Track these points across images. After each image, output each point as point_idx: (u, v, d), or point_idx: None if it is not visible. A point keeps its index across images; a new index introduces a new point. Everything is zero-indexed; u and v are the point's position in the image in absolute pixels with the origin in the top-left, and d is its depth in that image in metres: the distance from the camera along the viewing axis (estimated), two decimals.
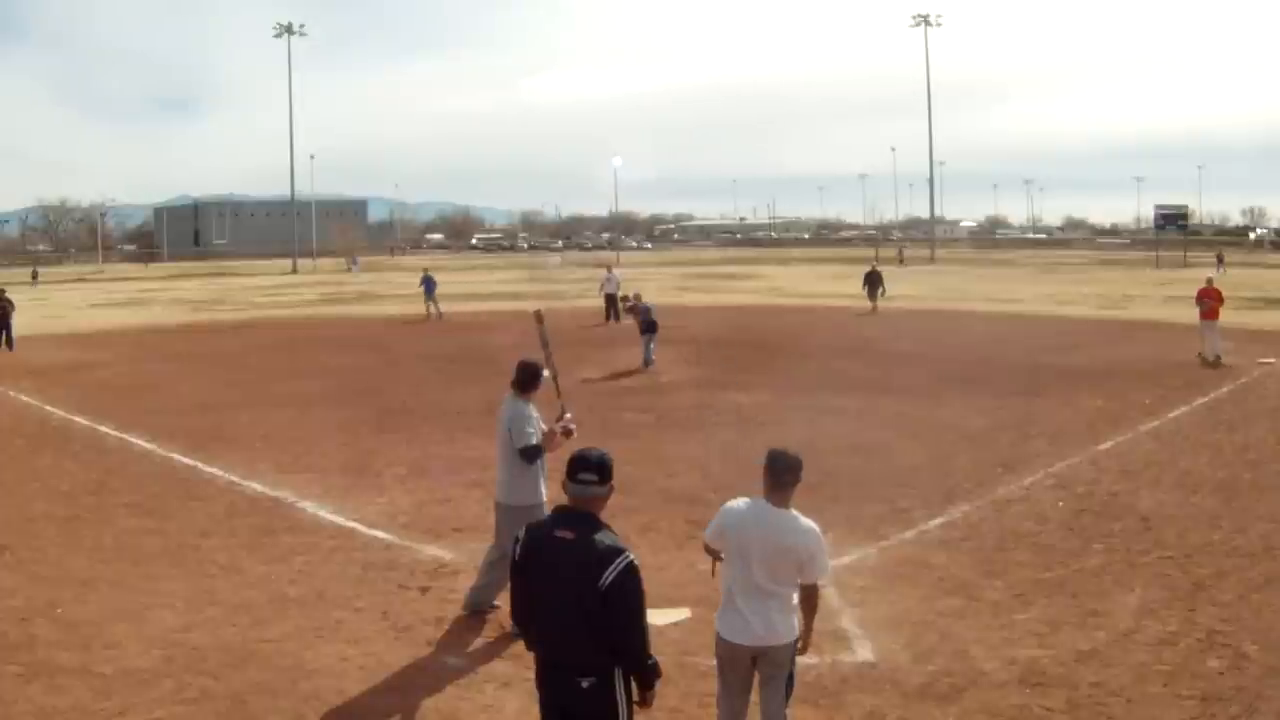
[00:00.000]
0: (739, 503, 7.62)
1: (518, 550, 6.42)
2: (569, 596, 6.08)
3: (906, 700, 9.17)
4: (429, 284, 50.18)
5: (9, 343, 38.04)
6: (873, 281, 50.09)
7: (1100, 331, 39.91)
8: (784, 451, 7.58)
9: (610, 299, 44.77)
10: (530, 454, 10.72)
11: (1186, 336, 32.51)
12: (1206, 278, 34.77)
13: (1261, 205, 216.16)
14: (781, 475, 7.46)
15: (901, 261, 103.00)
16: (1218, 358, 30.52)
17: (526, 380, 11.02)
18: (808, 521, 7.46)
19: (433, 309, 49.71)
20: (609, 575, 6.00)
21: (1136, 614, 11.02)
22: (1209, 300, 32.14)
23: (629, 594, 6.07)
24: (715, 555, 7.71)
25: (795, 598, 7.51)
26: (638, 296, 33.97)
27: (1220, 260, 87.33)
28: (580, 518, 6.27)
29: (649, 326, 31.40)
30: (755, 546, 7.33)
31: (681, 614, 10.81)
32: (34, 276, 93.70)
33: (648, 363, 30.88)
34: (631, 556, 6.11)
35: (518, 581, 6.48)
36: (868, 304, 49.23)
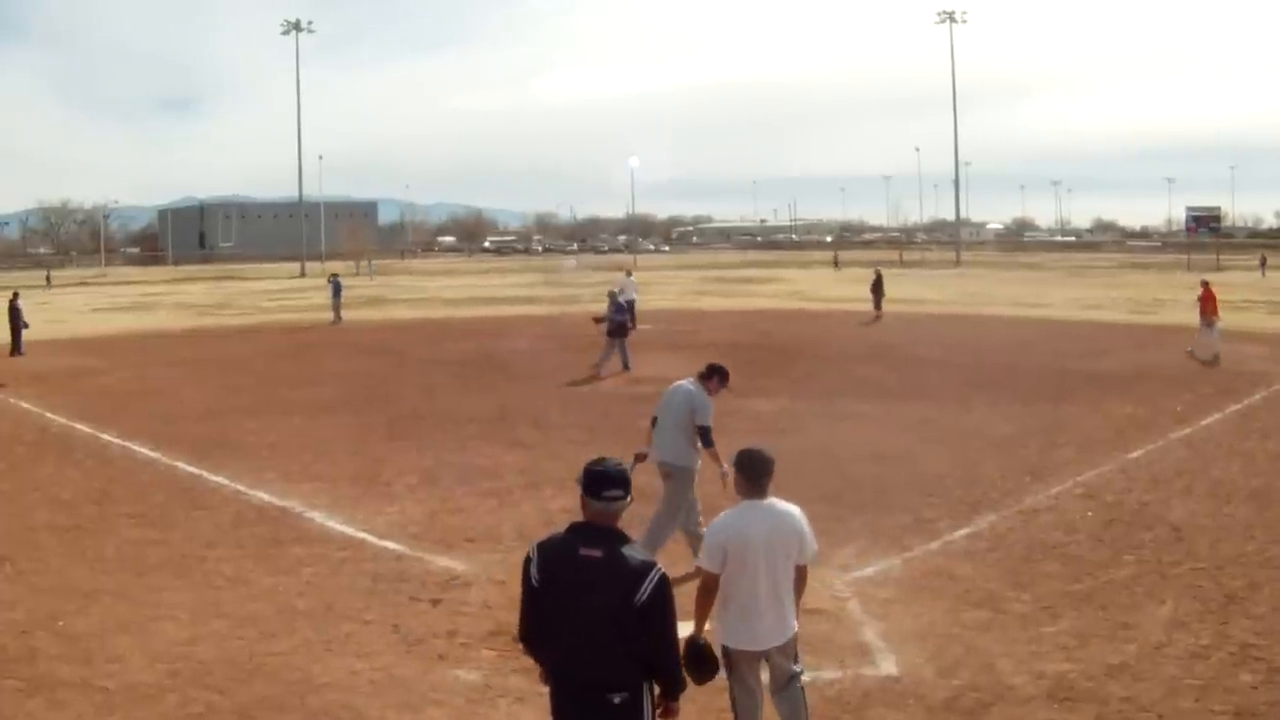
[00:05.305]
0: (723, 516, 7.83)
1: (535, 571, 6.33)
2: (602, 614, 6.05)
3: (931, 715, 9.15)
4: (336, 286, 51.73)
5: (17, 346, 38.15)
6: (878, 288, 49.72)
7: (1130, 336, 39.90)
8: (757, 451, 7.89)
9: (628, 304, 44.27)
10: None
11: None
12: (1201, 280, 35.22)
13: None
14: (760, 477, 7.75)
15: (837, 266, 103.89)
16: (1216, 356, 31.30)
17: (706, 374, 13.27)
18: (788, 504, 7.80)
19: (335, 313, 50.90)
20: (645, 591, 6.01)
21: (1168, 627, 10.98)
22: (1205, 301, 33.36)
23: (664, 608, 6.10)
24: (709, 597, 7.75)
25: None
26: (614, 295, 33.71)
27: (1263, 263, 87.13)
28: (604, 533, 6.23)
29: (618, 329, 31.52)
30: (757, 546, 7.53)
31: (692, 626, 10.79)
32: (48, 280, 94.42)
33: (626, 367, 31.03)
34: (663, 569, 6.13)
35: (536, 602, 6.36)
36: (873, 311, 48.92)
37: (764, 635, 7.64)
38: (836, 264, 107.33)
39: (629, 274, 49.18)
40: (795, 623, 7.79)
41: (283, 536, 14.83)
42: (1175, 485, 16.94)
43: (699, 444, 12.82)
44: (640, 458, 12.95)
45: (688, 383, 13.24)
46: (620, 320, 31.70)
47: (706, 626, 7.56)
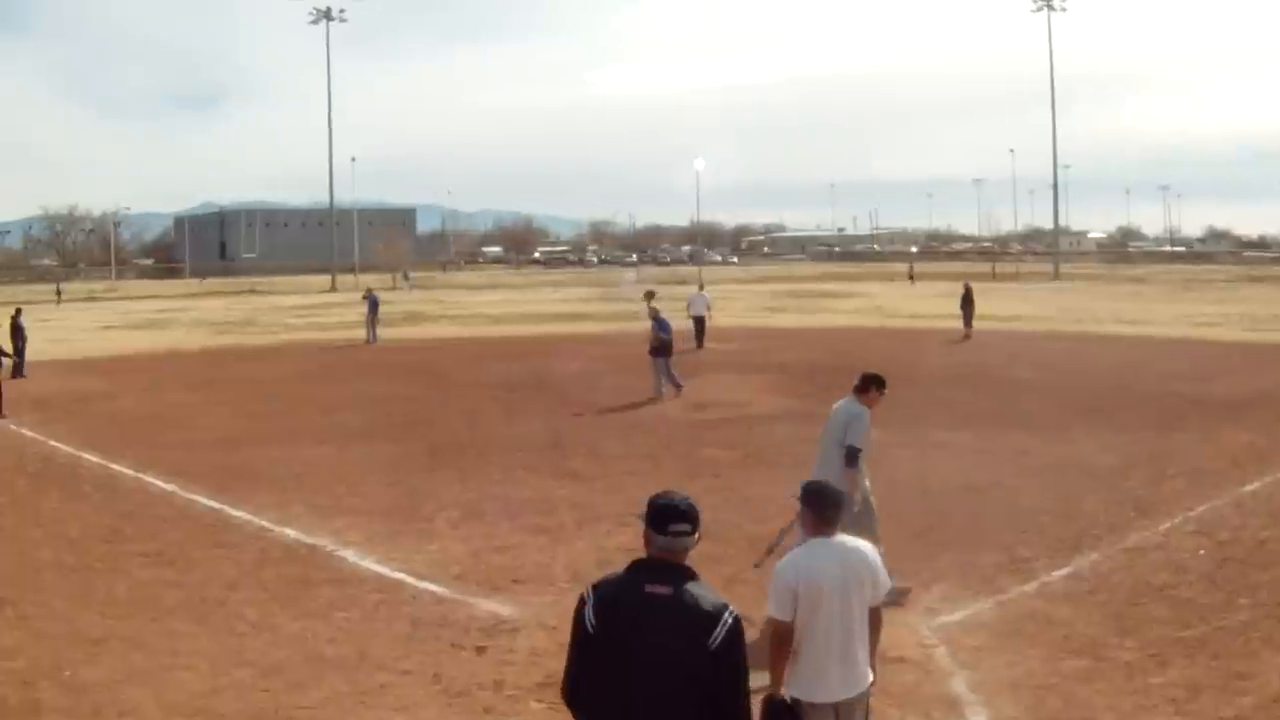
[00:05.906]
0: (790, 558, 7.83)
1: (590, 614, 6.09)
2: (670, 660, 5.89)
3: None
4: (373, 303, 51.70)
5: (19, 368, 38.48)
6: (968, 303, 49.65)
7: (1246, 357, 39.65)
8: (825, 483, 8.00)
9: (699, 321, 44.25)
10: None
11: None
12: None
13: None
14: (826, 510, 7.70)
15: (912, 279, 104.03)
16: None
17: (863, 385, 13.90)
18: (858, 539, 7.82)
19: (371, 332, 51.07)
20: (719, 633, 5.86)
21: None
22: None
23: (739, 654, 5.95)
24: (784, 647, 7.67)
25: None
26: (655, 311, 33.14)
27: None
28: (671, 570, 6.06)
29: (662, 348, 31.29)
30: (829, 588, 7.45)
31: (766, 677, 10.77)
32: (58, 294, 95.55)
33: (677, 386, 31.06)
34: (737, 610, 5.98)
35: (589, 650, 6.12)
36: (962, 328, 49.08)
37: (837, 686, 7.52)
38: (911, 277, 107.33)
39: (701, 288, 49.26)
40: (871, 672, 7.73)
41: (312, 577, 14.88)
42: None
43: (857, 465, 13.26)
44: None
45: (845, 400, 13.84)
46: (666, 339, 31.48)
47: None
